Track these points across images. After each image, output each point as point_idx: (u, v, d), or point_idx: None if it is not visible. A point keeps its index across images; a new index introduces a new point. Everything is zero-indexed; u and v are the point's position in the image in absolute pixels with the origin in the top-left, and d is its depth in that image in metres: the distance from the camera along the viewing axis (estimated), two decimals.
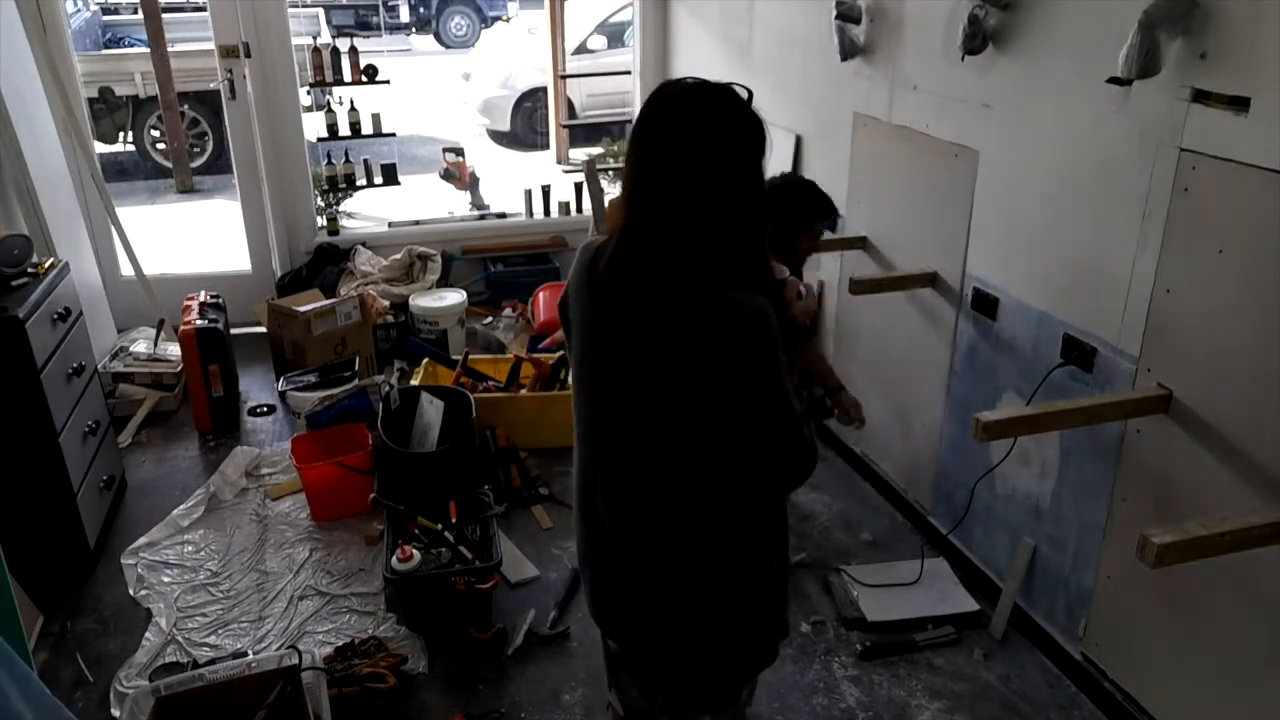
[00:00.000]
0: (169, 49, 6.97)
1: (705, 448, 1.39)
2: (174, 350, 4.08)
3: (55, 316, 2.89)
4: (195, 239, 6.00)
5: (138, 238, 4.32)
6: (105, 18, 9.47)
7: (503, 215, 5.29)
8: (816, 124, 3.44)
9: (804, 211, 2.75)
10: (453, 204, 5.67)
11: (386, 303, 4.43)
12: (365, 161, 5.10)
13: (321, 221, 4.94)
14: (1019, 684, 2.50)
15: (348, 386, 3.66)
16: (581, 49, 8.23)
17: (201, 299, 3.94)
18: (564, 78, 7.60)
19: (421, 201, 5.75)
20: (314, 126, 4.93)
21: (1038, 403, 2.39)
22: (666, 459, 1.42)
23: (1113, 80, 2.01)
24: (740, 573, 1.50)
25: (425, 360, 3.90)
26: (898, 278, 2.94)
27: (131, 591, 2.87)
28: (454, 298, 4.41)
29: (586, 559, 1.63)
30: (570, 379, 1.58)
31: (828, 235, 3.25)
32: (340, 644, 2.59)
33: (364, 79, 4.74)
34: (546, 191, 5.19)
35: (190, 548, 3.09)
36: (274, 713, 2.15)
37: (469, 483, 3.06)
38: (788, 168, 3.62)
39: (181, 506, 3.28)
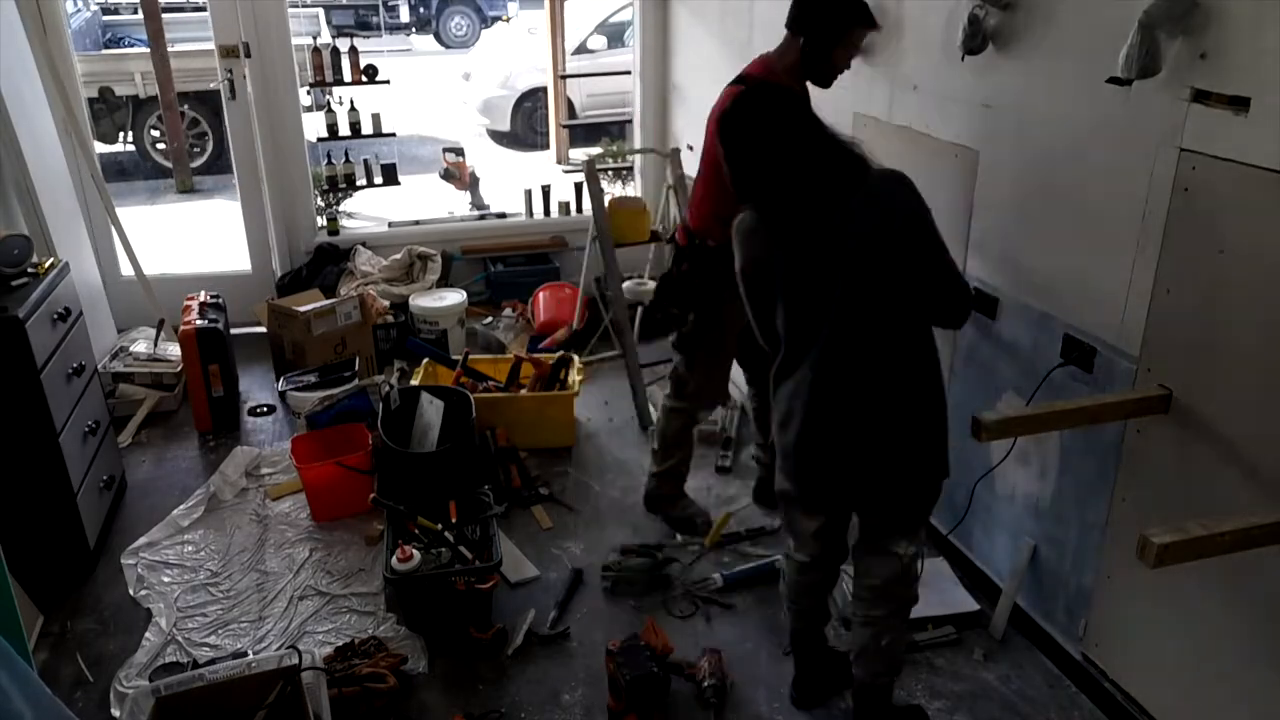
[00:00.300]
0: (169, 49, 6.97)
1: (905, 302, 1.92)
2: (174, 350, 4.08)
3: (55, 316, 2.89)
4: (195, 239, 6.00)
5: (138, 238, 4.32)
6: (105, 18, 9.47)
7: (503, 215, 5.29)
8: None
9: (834, 20, 2.58)
10: (453, 204, 5.67)
11: (386, 303, 4.43)
12: (365, 161, 5.10)
13: (321, 221, 4.94)
14: (1019, 684, 2.50)
15: (348, 386, 3.66)
16: (581, 49, 8.23)
17: (201, 299, 3.94)
18: (564, 78, 7.61)
19: (421, 201, 5.75)
20: (314, 126, 4.93)
21: (1038, 403, 2.39)
22: (879, 326, 1.93)
23: (1113, 80, 2.00)
24: (937, 406, 2.03)
25: (425, 360, 3.90)
26: None
27: (131, 591, 2.88)
28: (454, 298, 4.41)
29: (820, 454, 2.05)
30: (781, 313, 2.01)
31: None
32: (340, 644, 2.59)
33: (364, 79, 4.74)
34: (546, 191, 5.19)
35: (190, 548, 3.09)
36: (274, 713, 2.15)
37: (469, 483, 3.06)
38: None
39: (181, 506, 3.28)
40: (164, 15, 7.00)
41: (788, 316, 2.00)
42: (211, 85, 6.00)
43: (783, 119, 1.91)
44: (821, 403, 1.99)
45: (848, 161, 1.91)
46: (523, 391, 3.70)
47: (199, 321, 3.77)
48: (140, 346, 4.17)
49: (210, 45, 4.33)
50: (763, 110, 1.93)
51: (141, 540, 3.10)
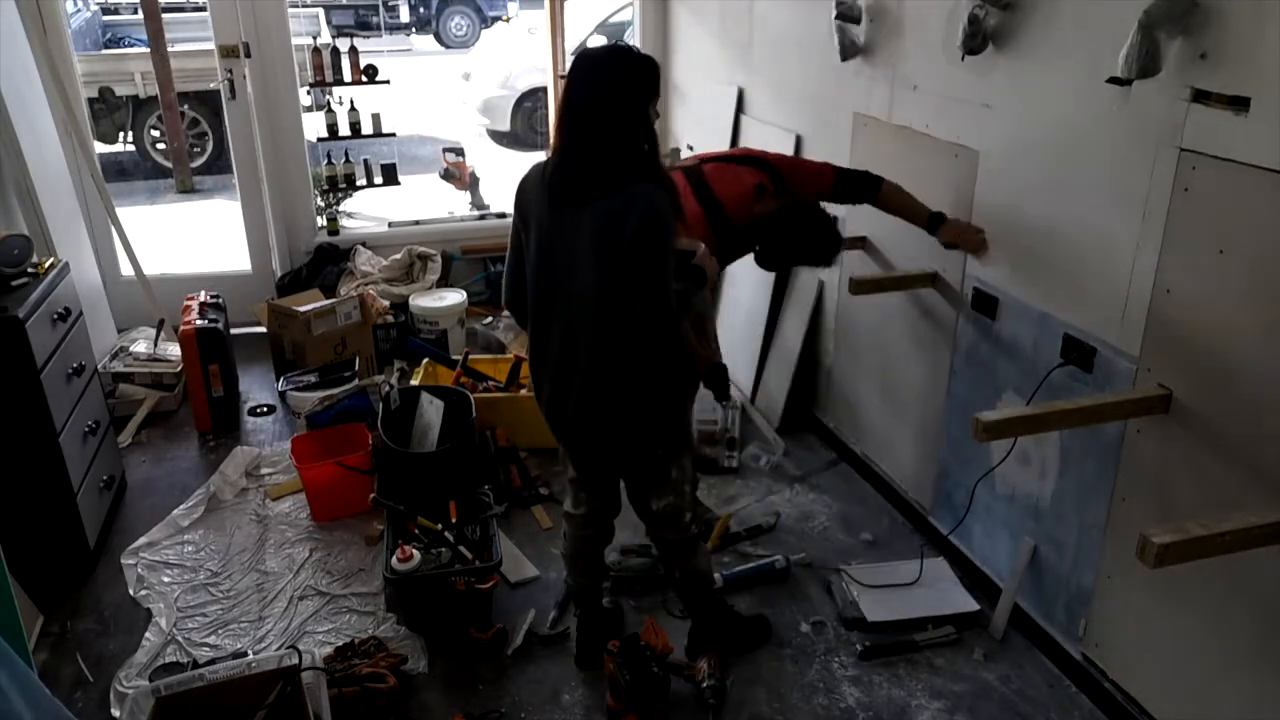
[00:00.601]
0: (169, 49, 6.97)
1: (622, 292, 2.00)
2: (174, 350, 4.08)
3: (55, 316, 2.89)
4: (195, 239, 6.00)
5: (138, 238, 4.32)
6: (105, 18, 9.47)
7: (503, 215, 5.28)
8: (816, 124, 3.44)
9: (796, 251, 2.74)
10: (453, 204, 5.67)
11: (386, 303, 4.43)
12: (365, 161, 5.10)
13: (321, 221, 4.94)
14: (1019, 684, 2.50)
15: (348, 386, 3.66)
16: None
17: (201, 299, 3.94)
18: (564, 78, 7.60)
19: (421, 201, 5.75)
20: (314, 126, 4.93)
21: (1038, 403, 2.39)
22: (600, 304, 2.03)
23: (1113, 80, 2.01)
24: (647, 384, 2.13)
25: (425, 360, 3.90)
26: (898, 278, 2.94)
27: (131, 591, 2.88)
28: (454, 298, 4.41)
29: (541, 379, 2.26)
30: (526, 255, 2.16)
31: None
32: (340, 644, 2.59)
33: (364, 79, 4.74)
34: None
35: (190, 548, 3.09)
36: (274, 713, 2.15)
37: (469, 483, 3.06)
38: None
39: (181, 506, 3.28)
40: (164, 15, 6.99)
41: (533, 261, 2.15)
42: (211, 85, 6.01)
43: (630, 83, 2.02)
44: (547, 363, 2.21)
45: (636, 156, 2.00)
46: (523, 391, 3.69)
47: (199, 321, 3.77)
48: (140, 346, 4.17)
49: (210, 45, 4.33)
50: (626, 63, 2.04)
51: (141, 540, 3.10)
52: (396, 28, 13.95)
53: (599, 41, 8.33)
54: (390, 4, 13.86)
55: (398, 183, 5.19)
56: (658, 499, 2.34)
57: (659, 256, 1.99)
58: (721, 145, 4.27)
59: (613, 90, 2.01)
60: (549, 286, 2.13)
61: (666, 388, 2.19)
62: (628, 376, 2.12)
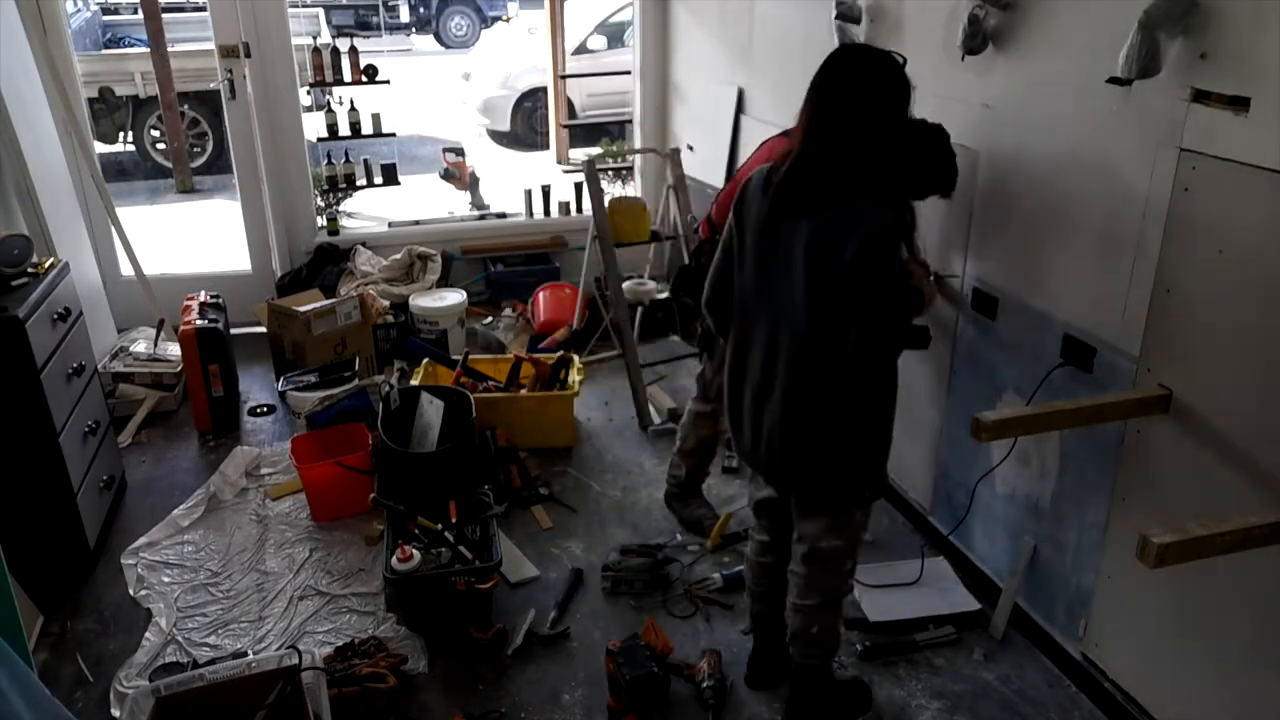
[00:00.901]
0: (169, 49, 6.97)
1: (834, 315, 1.89)
2: (174, 350, 4.08)
3: (55, 316, 2.89)
4: (195, 239, 6.00)
5: (138, 238, 4.32)
6: (105, 18, 9.46)
7: (503, 215, 5.29)
8: None
9: (926, 180, 2.48)
10: (453, 204, 5.67)
11: (386, 303, 4.43)
12: (365, 161, 5.10)
13: (321, 221, 4.94)
14: (1019, 684, 2.50)
15: (348, 386, 3.66)
16: (581, 49, 8.23)
17: (201, 299, 3.94)
18: (564, 78, 7.60)
19: (421, 201, 5.75)
20: (314, 126, 4.93)
21: (1038, 403, 2.39)
22: (810, 323, 1.92)
23: (1113, 80, 2.01)
24: (863, 413, 2.02)
25: (425, 360, 3.90)
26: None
27: (131, 591, 2.87)
28: (454, 298, 4.41)
29: (739, 389, 2.13)
30: (736, 265, 2.07)
31: None
32: (340, 644, 2.59)
33: (364, 79, 4.74)
34: (546, 191, 5.19)
35: (190, 548, 3.09)
36: (274, 713, 2.15)
37: (469, 483, 3.06)
38: None
39: (181, 506, 3.28)
40: (164, 15, 6.99)
41: (742, 285, 2.07)
42: (211, 85, 6.00)
43: (890, 93, 1.89)
44: (744, 373, 2.10)
45: (874, 173, 1.88)
46: (523, 391, 3.70)
47: (199, 321, 3.77)
48: (140, 346, 4.17)
49: (210, 45, 4.33)
50: (886, 71, 1.89)
51: (141, 540, 3.10)
52: (396, 28, 13.96)
53: (599, 41, 8.35)
54: (390, 4, 13.86)
55: (398, 183, 5.20)
56: (831, 538, 2.16)
57: (879, 283, 1.84)
58: (722, 145, 4.28)
59: (870, 100, 1.86)
60: (759, 298, 2.01)
61: (879, 423, 2.06)
62: (835, 405, 1.98)
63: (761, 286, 2.01)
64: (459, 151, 5.92)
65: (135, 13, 9.38)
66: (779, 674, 2.46)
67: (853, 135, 1.86)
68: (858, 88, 1.87)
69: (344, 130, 4.88)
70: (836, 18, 3.04)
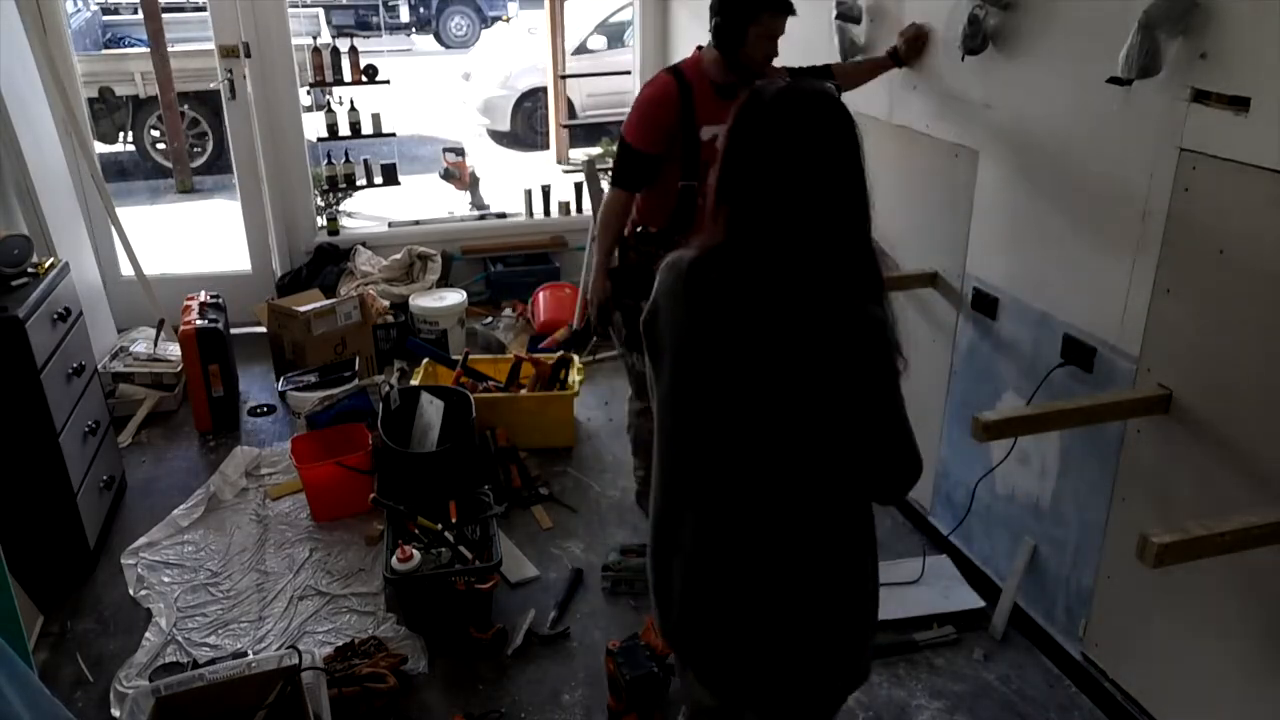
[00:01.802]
0: (169, 49, 6.97)
1: (822, 453, 1.39)
2: (174, 350, 4.08)
3: (55, 316, 2.89)
4: (195, 239, 6.00)
5: (138, 238, 4.32)
6: (105, 18, 9.46)
7: (503, 215, 5.29)
8: None
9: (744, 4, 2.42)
10: (453, 204, 5.67)
11: (386, 303, 4.43)
12: (365, 161, 5.10)
13: (321, 221, 4.94)
14: (1019, 684, 2.50)
15: (348, 386, 3.66)
16: (581, 49, 8.23)
17: (201, 299, 3.94)
18: (564, 78, 7.60)
19: (421, 201, 5.75)
20: (314, 126, 4.93)
21: (1038, 403, 2.39)
22: (781, 468, 1.40)
23: (1113, 80, 2.01)
24: (844, 586, 1.48)
25: (425, 360, 3.90)
26: (898, 278, 2.93)
27: (131, 591, 2.87)
28: (454, 298, 4.41)
29: (667, 585, 1.55)
30: (658, 397, 1.52)
31: None
32: (340, 644, 2.59)
33: (364, 79, 4.74)
34: (546, 191, 5.19)
35: (190, 548, 3.09)
36: (274, 713, 2.15)
37: (469, 483, 3.06)
38: None
39: (181, 506, 3.28)
40: (164, 15, 6.99)
41: (669, 410, 1.50)
42: (211, 85, 5.99)
43: (844, 141, 1.37)
44: (713, 550, 1.48)
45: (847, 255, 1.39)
46: (523, 391, 3.70)
47: (199, 321, 3.77)
48: (140, 346, 4.17)
49: (210, 45, 4.33)
50: (831, 116, 1.36)
51: (141, 540, 3.10)
52: (397, 28, 13.95)
53: (599, 41, 8.34)
54: (390, 4, 13.85)
55: (398, 183, 5.20)
56: None
57: (891, 380, 1.36)
58: None
59: (803, 154, 1.34)
60: (697, 443, 1.47)
61: (864, 582, 1.53)
62: (844, 566, 1.47)
63: (704, 423, 1.47)
64: (459, 151, 5.92)
65: (135, 13, 9.37)
66: None
67: (799, 210, 1.36)
68: (793, 146, 1.35)
69: (344, 130, 4.88)
70: (836, 18, 3.04)
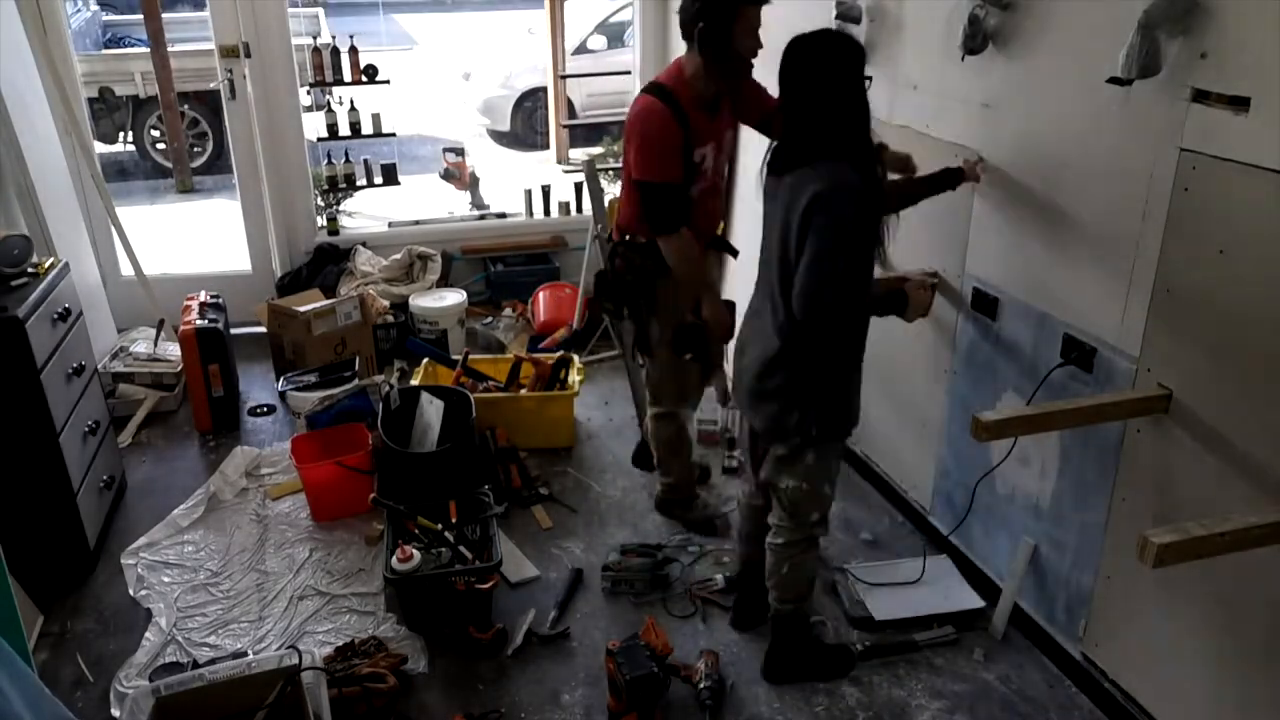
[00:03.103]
0: (169, 49, 6.97)
1: (783, 266, 2.13)
2: (174, 350, 4.08)
3: (55, 316, 2.89)
4: (195, 239, 6.00)
5: (138, 238, 4.32)
6: (105, 18, 9.45)
7: (503, 215, 5.29)
8: None
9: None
10: (453, 204, 5.67)
11: (386, 303, 4.43)
12: (365, 161, 5.10)
13: (321, 221, 4.94)
14: (1019, 684, 2.50)
15: (348, 386, 3.66)
16: (581, 49, 8.23)
17: (201, 299, 3.94)
18: (564, 78, 7.60)
19: (421, 201, 5.74)
20: (314, 126, 4.93)
21: (1038, 403, 2.39)
22: (778, 276, 2.17)
23: (1113, 80, 2.00)
24: (803, 362, 2.21)
25: (425, 360, 3.90)
26: (898, 278, 2.93)
27: (131, 591, 2.88)
28: (454, 298, 4.41)
29: (742, 335, 2.42)
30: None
31: None
32: (340, 644, 2.59)
33: (364, 79, 4.74)
34: (546, 191, 5.18)
35: (190, 548, 3.09)
36: (274, 713, 2.15)
37: (469, 483, 3.06)
38: None
39: (181, 506, 3.28)
40: (164, 15, 6.99)
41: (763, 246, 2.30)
42: (211, 85, 5.99)
43: (848, 65, 2.08)
44: (747, 322, 2.37)
45: (834, 133, 2.08)
46: (523, 391, 3.70)
47: (199, 321, 3.77)
48: (140, 346, 4.17)
49: (210, 45, 4.33)
50: (825, 45, 2.10)
51: (141, 540, 3.10)
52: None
53: (599, 41, 8.35)
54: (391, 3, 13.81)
55: (398, 183, 5.19)
56: (787, 477, 2.33)
57: (823, 236, 2.02)
58: None
59: (813, 71, 2.08)
60: (763, 255, 2.27)
61: (829, 373, 2.23)
62: (791, 349, 2.19)
63: (763, 245, 2.27)
64: (459, 151, 5.92)
65: (135, 13, 9.36)
66: (759, 616, 2.64)
67: (811, 101, 2.09)
68: (810, 62, 2.09)
69: (344, 130, 4.88)
70: (836, 18, 3.04)
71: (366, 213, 5.87)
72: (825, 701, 2.46)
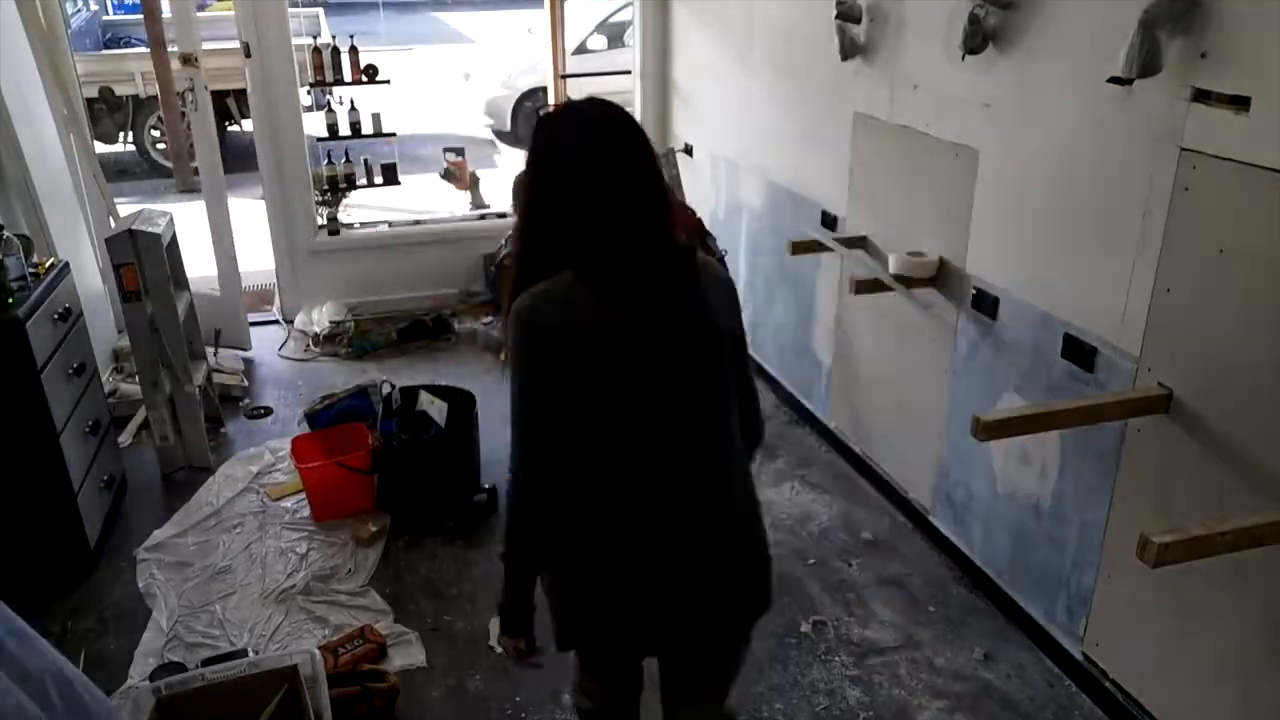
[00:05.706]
0: (169, 49, 6.97)
1: (717, 398, 1.55)
2: None
3: (55, 316, 2.89)
4: (195, 239, 5.98)
5: None
6: (105, 18, 9.45)
7: (503, 215, 5.28)
8: (817, 124, 3.43)
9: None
10: (453, 204, 5.67)
11: None
12: (365, 161, 5.09)
13: (321, 221, 4.93)
14: (1019, 684, 2.50)
15: (348, 386, 3.66)
16: (581, 49, 8.23)
17: None
18: (564, 78, 7.59)
19: (421, 201, 5.74)
20: (314, 126, 4.93)
21: (1038, 403, 2.39)
22: (719, 421, 1.56)
23: (1113, 80, 2.00)
24: (756, 523, 1.66)
25: None
26: (898, 277, 2.93)
27: (131, 591, 2.87)
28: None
29: (631, 552, 1.56)
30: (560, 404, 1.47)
31: (830, 236, 3.25)
32: (336, 638, 2.59)
33: (364, 79, 4.74)
34: None
35: (190, 547, 3.09)
36: (274, 712, 2.15)
37: (469, 483, 3.06)
38: (790, 163, 3.61)
39: (181, 507, 3.27)
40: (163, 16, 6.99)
41: (606, 420, 1.50)
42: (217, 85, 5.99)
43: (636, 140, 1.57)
44: (647, 523, 1.54)
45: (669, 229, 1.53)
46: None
47: None
48: None
49: (211, 45, 4.33)
50: (616, 121, 1.60)
51: (142, 540, 3.10)
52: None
53: (599, 41, 8.33)
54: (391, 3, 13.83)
55: (398, 182, 5.19)
56: (728, 694, 1.81)
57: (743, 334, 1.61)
58: (721, 145, 4.27)
59: (635, 157, 1.54)
60: (635, 426, 1.50)
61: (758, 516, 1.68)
62: (742, 506, 1.63)
63: (635, 412, 1.51)
64: (459, 151, 5.91)
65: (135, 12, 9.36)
66: None
67: (643, 203, 1.54)
68: (614, 151, 1.60)
69: (344, 130, 4.88)
70: (837, 18, 3.04)
71: (367, 212, 5.87)
72: (826, 702, 2.46)
